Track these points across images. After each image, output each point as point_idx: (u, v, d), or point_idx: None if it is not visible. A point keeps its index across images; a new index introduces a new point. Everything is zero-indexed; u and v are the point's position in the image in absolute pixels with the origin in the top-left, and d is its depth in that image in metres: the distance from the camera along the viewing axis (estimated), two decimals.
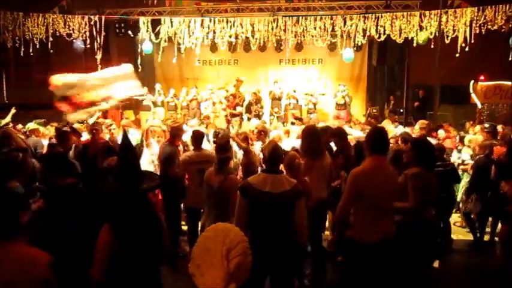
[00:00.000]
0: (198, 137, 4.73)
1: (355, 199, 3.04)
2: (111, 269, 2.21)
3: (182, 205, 4.96)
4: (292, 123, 9.04)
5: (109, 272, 2.21)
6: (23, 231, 1.84)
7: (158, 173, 5.19)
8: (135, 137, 6.02)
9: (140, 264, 2.27)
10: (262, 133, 6.07)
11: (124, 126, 6.58)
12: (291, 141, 6.57)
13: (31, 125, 7.19)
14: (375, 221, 3.04)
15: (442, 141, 6.70)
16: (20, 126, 7.57)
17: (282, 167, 5.00)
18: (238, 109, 11.17)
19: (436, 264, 4.52)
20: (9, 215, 1.80)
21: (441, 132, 7.48)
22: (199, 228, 4.52)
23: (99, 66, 11.69)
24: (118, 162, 2.45)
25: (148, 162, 5.52)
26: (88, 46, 11.66)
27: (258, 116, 11.53)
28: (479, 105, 11.18)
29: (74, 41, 11.56)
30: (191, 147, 4.96)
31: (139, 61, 12.14)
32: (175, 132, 5.07)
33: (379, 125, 8.31)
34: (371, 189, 3.00)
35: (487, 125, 6.91)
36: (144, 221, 2.31)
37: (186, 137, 5.80)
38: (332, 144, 4.86)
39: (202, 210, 4.71)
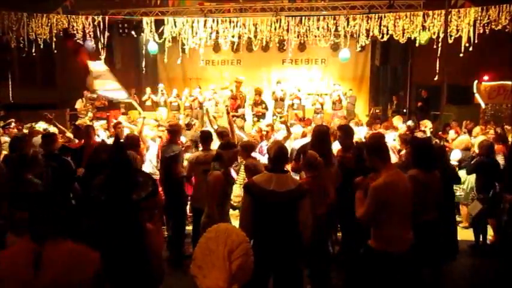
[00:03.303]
0: (206, 136, 4.75)
1: (378, 211, 3.01)
2: None
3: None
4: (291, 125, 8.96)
5: None
6: (68, 228, 1.88)
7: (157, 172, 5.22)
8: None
9: (118, 271, 2.11)
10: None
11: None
12: (295, 141, 6.58)
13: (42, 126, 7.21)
14: (399, 230, 3.02)
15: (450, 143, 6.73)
16: (28, 125, 7.60)
17: (290, 166, 5.04)
18: (240, 111, 11.17)
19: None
20: (61, 213, 1.84)
21: (452, 133, 7.52)
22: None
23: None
24: (108, 170, 2.30)
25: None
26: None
27: (261, 117, 11.54)
28: (483, 106, 11.15)
29: (84, 41, 11.63)
30: (200, 148, 4.96)
31: (143, 62, 12.15)
32: (174, 130, 5.09)
33: (382, 125, 8.34)
34: (396, 199, 2.98)
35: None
36: (127, 231, 2.16)
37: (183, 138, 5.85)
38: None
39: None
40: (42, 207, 1.82)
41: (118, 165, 2.28)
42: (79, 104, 11.58)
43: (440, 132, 8.08)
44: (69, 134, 6.52)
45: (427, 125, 7.59)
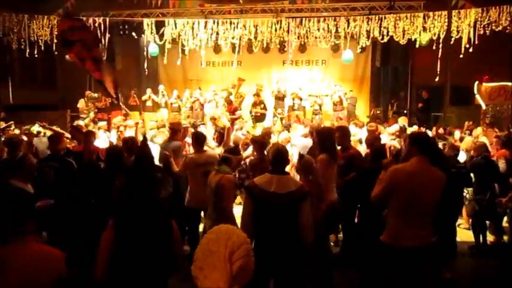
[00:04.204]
0: (199, 138, 4.70)
1: (388, 194, 2.99)
2: (113, 270, 2.17)
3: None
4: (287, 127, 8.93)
5: (111, 274, 2.17)
6: (34, 229, 1.85)
7: None
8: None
9: (143, 268, 2.21)
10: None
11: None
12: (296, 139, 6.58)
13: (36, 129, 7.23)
14: (410, 226, 2.97)
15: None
16: (25, 127, 7.59)
17: (291, 169, 5.05)
18: (238, 113, 11.22)
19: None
20: (21, 213, 1.82)
21: (457, 133, 7.55)
22: (200, 230, 4.53)
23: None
24: (133, 170, 2.41)
25: None
26: None
27: (260, 118, 11.57)
28: (483, 107, 11.14)
29: None
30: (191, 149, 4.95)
31: (145, 63, 12.17)
32: (176, 128, 5.10)
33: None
34: (408, 189, 2.93)
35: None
36: (151, 227, 2.24)
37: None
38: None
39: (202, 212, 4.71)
40: (4, 207, 1.80)
41: (142, 170, 2.37)
42: (81, 104, 11.60)
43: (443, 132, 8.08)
44: (67, 135, 6.53)
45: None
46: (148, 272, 2.20)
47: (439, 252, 3.73)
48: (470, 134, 7.68)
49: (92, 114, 10.86)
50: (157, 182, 2.36)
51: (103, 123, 9.06)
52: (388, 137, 7.09)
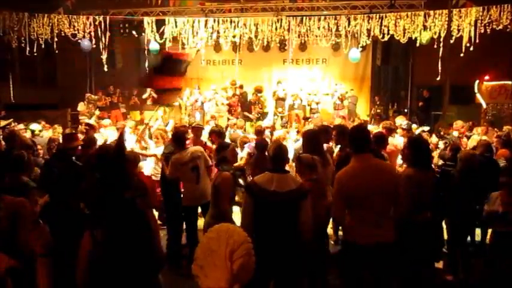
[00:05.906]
0: (180, 136, 4.66)
1: (346, 203, 2.92)
2: (95, 275, 2.11)
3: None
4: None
5: (93, 279, 2.11)
6: None
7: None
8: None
9: (126, 272, 2.14)
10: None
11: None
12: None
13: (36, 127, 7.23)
14: (369, 225, 2.88)
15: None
16: (21, 126, 7.56)
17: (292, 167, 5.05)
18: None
19: (439, 264, 4.49)
20: None
21: (455, 133, 7.56)
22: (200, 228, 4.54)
23: (105, 66, 11.78)
24: (107, 169, 2.33)
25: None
26: (93, 46, 11.76)
27: (258, 118, 11.56)
28: (484, 105, 11.14)
29: (80, 40, 11.64)
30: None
31: (146, 62, 12.17)
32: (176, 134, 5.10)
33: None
34: (357, 191, 2.85)
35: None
36: (128, 228, 2.17)
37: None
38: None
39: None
40: None
41: (116, 169, 2.28)
42: (81, 107, 11.58)
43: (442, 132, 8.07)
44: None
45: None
46: (131, 273, 2.13)
47: (425, 252, 3.67)
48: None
49: (97, 112, 10.87)
50: (129, 181, 2.33)
51: (107, 121, 8.97)
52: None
